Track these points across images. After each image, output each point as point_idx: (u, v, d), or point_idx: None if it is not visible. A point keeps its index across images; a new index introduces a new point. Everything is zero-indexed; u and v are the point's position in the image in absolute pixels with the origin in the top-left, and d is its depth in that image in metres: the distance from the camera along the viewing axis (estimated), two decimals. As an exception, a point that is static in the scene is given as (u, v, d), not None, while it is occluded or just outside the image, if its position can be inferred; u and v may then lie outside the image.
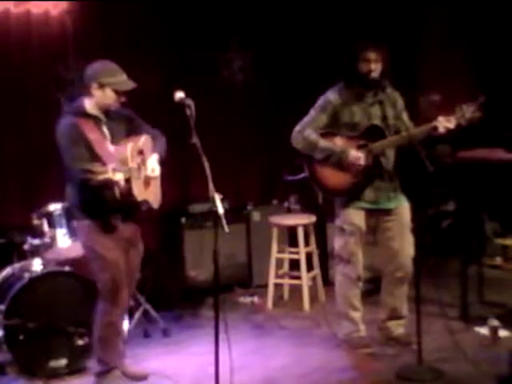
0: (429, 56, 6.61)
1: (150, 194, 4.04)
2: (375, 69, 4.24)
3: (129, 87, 3.90)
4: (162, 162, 4.08)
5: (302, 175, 4.54)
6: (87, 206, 3.90)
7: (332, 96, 4.38)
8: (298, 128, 4.44)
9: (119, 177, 3.59)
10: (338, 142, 4.35)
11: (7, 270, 4.55)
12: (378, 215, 4.41)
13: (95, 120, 3.91)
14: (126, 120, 4.05)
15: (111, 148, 3.86)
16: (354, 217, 4.37)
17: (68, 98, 4.01)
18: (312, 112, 4.43)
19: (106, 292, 3.95)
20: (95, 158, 3.77)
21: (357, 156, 4.28)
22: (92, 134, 3.83)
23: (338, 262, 4.48)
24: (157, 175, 4.03)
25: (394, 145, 4.30)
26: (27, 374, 4.21)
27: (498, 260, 6.02)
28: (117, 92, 3.87)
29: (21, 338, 4.19)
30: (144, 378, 4.20)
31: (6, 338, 4.17)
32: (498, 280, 5.62)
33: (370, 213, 4.39)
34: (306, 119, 4.43)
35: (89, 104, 3.92)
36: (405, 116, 4.39)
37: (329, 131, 4.39)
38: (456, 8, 6.59)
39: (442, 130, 4.11)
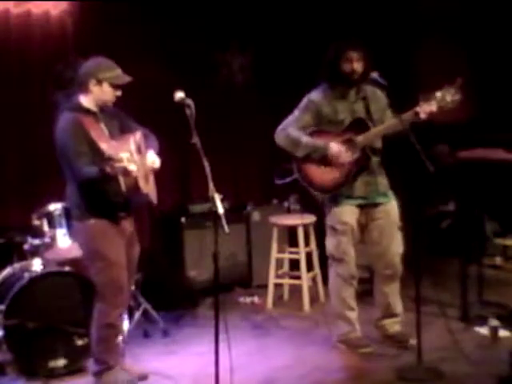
0: (428, 56, 6.61)
1: (150, 189, 4.04)
2: (357, 68, 4.29)
3: (125, 81, 3.94)
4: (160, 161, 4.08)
5: (292, 177, 4.54)
6: (92, 204, 3.88)
7: (314, 95, 4.43)
8: (281, 127, 4.48)
9: (133, 167, 3.58)
10: (323, 139, 4.36)
11: (7, 270, 4.55)
12: (367, 211, 4.40)
13: (94, 116, 3.93)
14: (117, 118, 4.07)
15: (113, 142, 3.85)
16: (346, 215, 4.36)
17: (65, 96, 4.01)
18: (295, 112, 4.47)
19: (106, 293, 3.93)
20: (98, 154, 3.74)
21: (338, 149, 4.30)
22: (93, 130, 3.82)
23: (331, 262, 4.48)
24: (157, 167, 4.04)
25: (378, 135, 4.30)
26: (27, 374, 4.21)
27: (498, 260, 6.03)
28: (113, 86, 3.90)
29: (21, 338, 4.19)
30: (144, 377, 4.19)
31: (5, 338, 4.17)
32: (498, 280, 5.63)
33: (361, 208, 4.39)
34: (290, 118, 4.47)
35: (85, 100, 3.94)
36: (389, 113, 4.38)
37: (314, 130, 4.41)
38: (455, 7, 6.59)
39: (423, 115, 4.11)
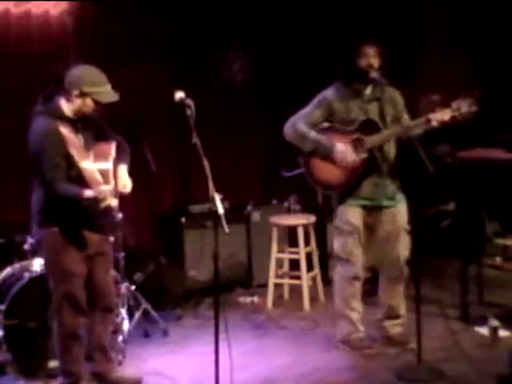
0: (429, 56, 6.62)
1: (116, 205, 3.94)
2: (374, 63, 4.25)
3: (109, 99, 3.78)
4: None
5: (299, 171, 4.53)
6: (56, 212, 3.77)
7: (328, 92, 4.40)
8: (291, 120, 4.44)
9: (115, 202, 3.60)
10: (332, 137, 4.34)
11: (7, 270, 4.54)
12: (375, 213, 4.38)
13: (73, 126, 3.79)
14: (94, 124, 3.92)
15: (91, 157, 3.77)
16: (352, 215, 4.34)
17: (44, 96, 3.81)
18: (308, 107, 4.44)
19: (66, 304, 3.83)
20: (72, 166, 3.67)
21: (344, 151, 4.27)
22: (71, 141, 3.70)
23: (337, 262, 4.48)
24: (128, 192, 3.92)
25: (388, 138, 4.27)
26: (27, 374, 4.20)
27: (498, 260, 6.03)
28: (97, 102, 3.77)
29: (21, 338, 4.18)
30: (137, 382, 4.12)
31: (5, 338, 4.16)
32: (498, 280, 5.63)
33: (367, 210, 4.37)
34: (301, 113, 4.44)
35: (67, 107, 3.79)
36: (405, 116, 4.38)
37: (325, 127, 4.38)
38: (456, 8, 6.59)
39: (434, 123, 4.09)
